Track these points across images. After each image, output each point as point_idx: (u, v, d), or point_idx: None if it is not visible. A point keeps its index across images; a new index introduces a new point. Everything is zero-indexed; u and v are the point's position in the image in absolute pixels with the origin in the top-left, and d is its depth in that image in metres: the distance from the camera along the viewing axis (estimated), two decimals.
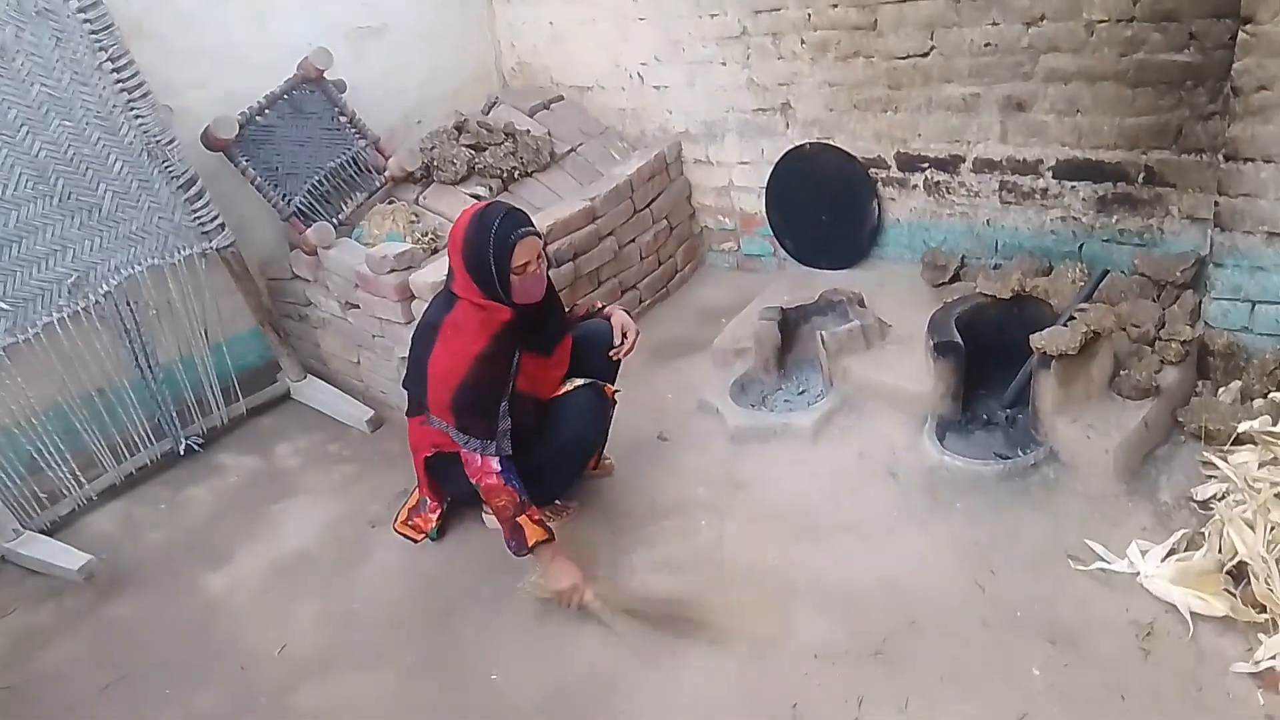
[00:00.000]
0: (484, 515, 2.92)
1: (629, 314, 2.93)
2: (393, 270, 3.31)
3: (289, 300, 3.94)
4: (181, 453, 3.50)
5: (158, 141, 3.28)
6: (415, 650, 2.53)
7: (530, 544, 2.48)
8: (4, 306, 3.00)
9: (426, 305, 2.66)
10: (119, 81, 3.18)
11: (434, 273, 3.28)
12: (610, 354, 2.83)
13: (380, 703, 2.38)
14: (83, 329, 3.19)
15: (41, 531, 3.12)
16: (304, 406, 3.80)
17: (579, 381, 2.76)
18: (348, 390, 3.81)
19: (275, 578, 2.88)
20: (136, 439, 3.40)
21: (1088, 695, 2.10)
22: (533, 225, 2.48)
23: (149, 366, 3.40)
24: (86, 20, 3.12)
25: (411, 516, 2.93)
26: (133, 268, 3.27)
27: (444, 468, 2.74)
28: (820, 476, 2.91)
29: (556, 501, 2.91)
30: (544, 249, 2.54)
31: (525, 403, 2.63)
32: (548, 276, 2.63)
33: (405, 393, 2.75)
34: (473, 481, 2.52)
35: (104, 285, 3.20)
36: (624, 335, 2.83)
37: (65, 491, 3.21)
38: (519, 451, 2.59)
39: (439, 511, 2.90)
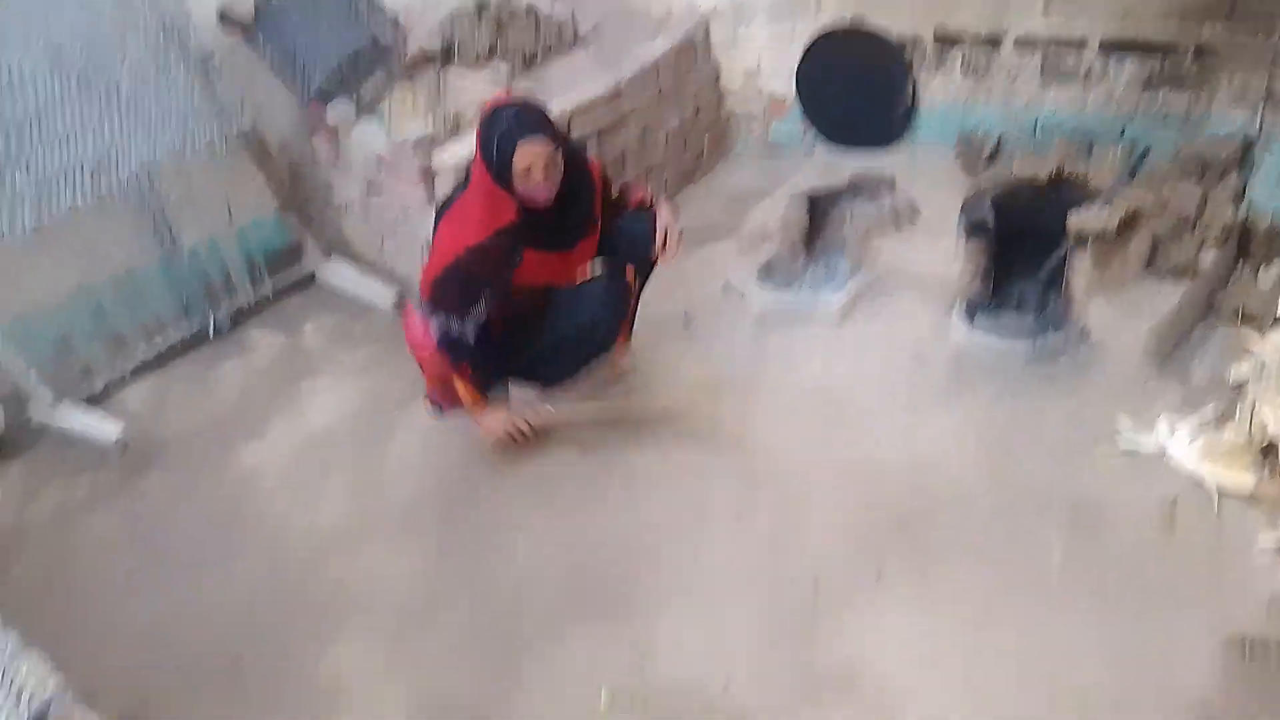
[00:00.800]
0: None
1: (675, 214, 2.74)
2: (415, 153, 3.26)
3: (311, 185, 3.90)
4: (211, 333, 3.53)
5: (174, 22, 3.20)
6: (442, 525, 2.58)
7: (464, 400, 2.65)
8: (29, 189, 2.99)
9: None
10: None
11: (455, 155, 3.23)
12: (650, 256, 2.72)
13: (409, 575, 2.44)
14: (108, 213, 3.18)
15: (78, 403, 3.17)
16: (329, 289, 3.80)
17: (599, 268, 2.71)
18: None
19: (306, 451, 2.92)
20: (167, 318, 3.43)
21: (1109, 569, 2.11)
22: (546, 128, 2.34)
23: (175, 250, 3.41)
24: None
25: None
26: (154, 151, 3.24)
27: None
28: (846, 358, 2.89)
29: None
30: (559, 152, 2.37)
31: (523, 294, 2.60)
32: (582, 168, 2.55)
33: None
34: (409, 351, 2.67)
35: (126, 168, 3.18)
36: (665, 239, 2.68)
37: (99, 367, 3.26)
38: (526, 337, 2.64)
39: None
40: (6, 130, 2.94)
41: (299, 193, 3.87)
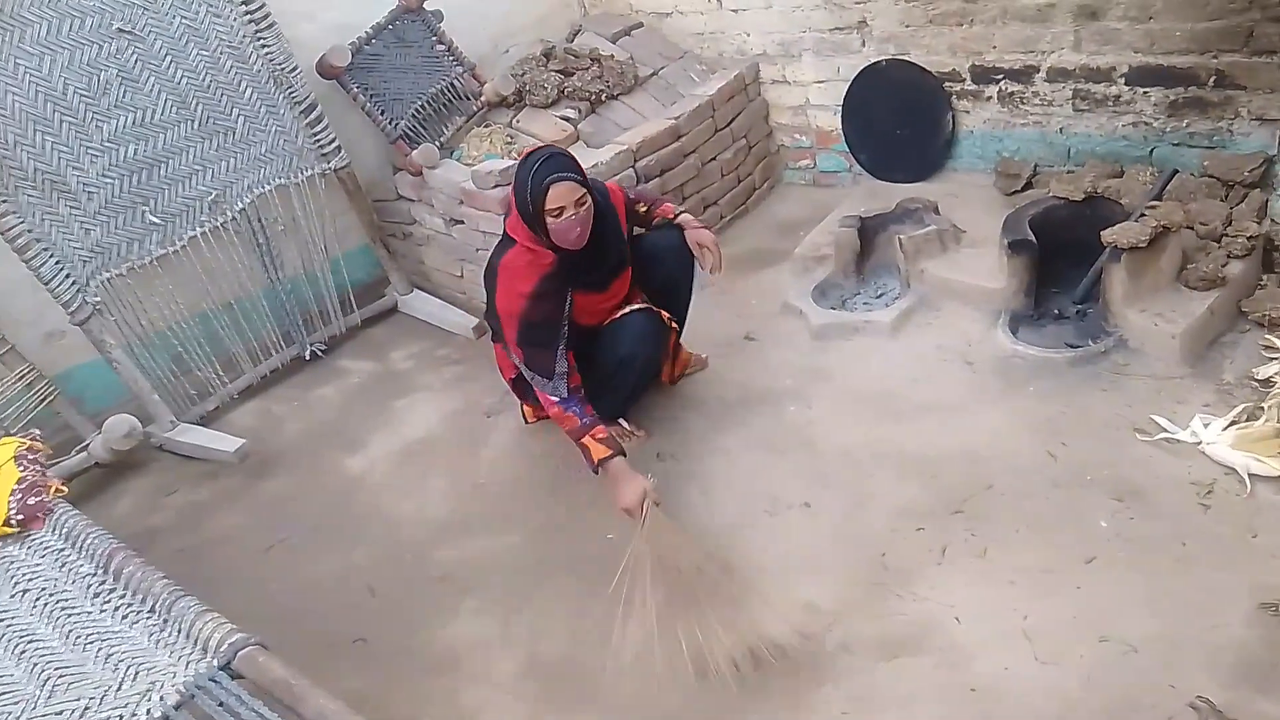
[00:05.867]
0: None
1: (699, 222, 2.95)
2: (497, 185, 3.57)
3: (394, 220, 4.24)
4: (308, 358, 3.85)
5: (282, 69, 3.57)
6: (538, 516, 2.85)
7: (595, 461, 2.57)
8: (156, 220, 3.35)
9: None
10: (248, 13, 3.47)
11: None
12: (709, 276, 2.93)
13: (512, 555, 2.71)
14: (222, 243, 3.54)
15: (193, 424, 3.49)
16: (411, 318, 4.12)
17: (635, 307, 2.87)
18: (450, 302, 4.11)
19: (406, 459, 3.22)
20: (270, 344, 3.76)
21: (1151, 542, 2.33)
22: (574, 171, 2.52)
23: (278, 278, 3.74)
24: None
25: None
26: (263, 187, 3.60)
27: (529, 386, 2.82)
28: (900, 365, 3.14)
29: (622, 422, 3.05)
30: (588, 195, 2.55)
31: (580, 334, 2.76)
32: (607, 210, 2.72)
33: None
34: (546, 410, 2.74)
35: (239, 203, 3.54)
36: (704, 250, 2.88)
37: (211, 389, 3.58)
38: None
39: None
40: (140, 169, 3.31)
41: (384, 227, 4.21)
